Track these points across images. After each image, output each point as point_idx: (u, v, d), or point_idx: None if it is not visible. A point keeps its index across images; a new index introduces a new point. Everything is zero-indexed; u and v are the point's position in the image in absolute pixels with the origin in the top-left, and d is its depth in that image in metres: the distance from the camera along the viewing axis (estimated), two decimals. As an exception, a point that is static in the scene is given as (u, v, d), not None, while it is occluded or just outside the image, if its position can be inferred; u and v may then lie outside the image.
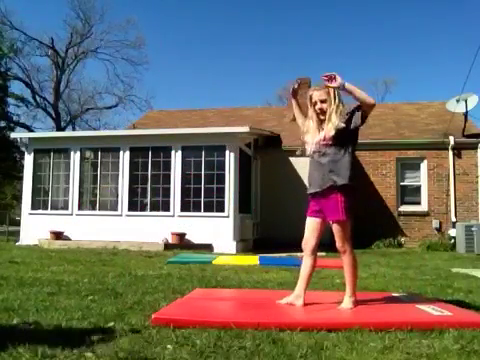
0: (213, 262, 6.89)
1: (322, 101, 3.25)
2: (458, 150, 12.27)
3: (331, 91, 3.22)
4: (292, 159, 12.07)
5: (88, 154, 11.55)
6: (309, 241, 3.30)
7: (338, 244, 3.20)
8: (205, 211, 10.21)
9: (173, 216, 10.33)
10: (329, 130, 3.19)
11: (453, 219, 11.99)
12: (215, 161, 10.38)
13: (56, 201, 11.34)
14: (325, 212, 3.23)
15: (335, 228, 3.18)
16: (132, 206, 10.67)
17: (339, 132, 3.17)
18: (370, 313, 3.06)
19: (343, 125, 3.19)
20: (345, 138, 3.21)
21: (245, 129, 10.35)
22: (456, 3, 51.49)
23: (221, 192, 10.17)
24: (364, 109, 3.17)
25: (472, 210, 12.07)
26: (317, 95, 3.27)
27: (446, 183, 12.21)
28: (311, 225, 3.31)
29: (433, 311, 3.04)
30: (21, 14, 48.44)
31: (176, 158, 10.49)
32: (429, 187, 12.36)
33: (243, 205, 10.81)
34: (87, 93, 29.65)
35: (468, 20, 51.35)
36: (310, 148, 3.31)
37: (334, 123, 3.17)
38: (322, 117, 3.27)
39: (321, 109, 3.26)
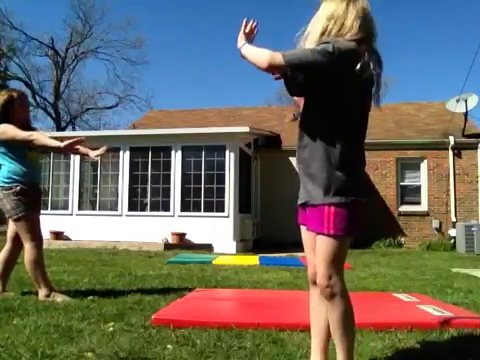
0: (213, 262, 6.89)
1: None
2: (458, 150, 12.26)
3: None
4: (292, 159, 12.06)
5: (88, 154, 11.54)
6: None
7: (324, 274, 1.76)
8: (205, 211, 10.21)
9: (173, 216, 10.33)
10: None
11: (453, 219, 11.98)
12: (215, 161, 10.38)
13: (56, 201, 11.34)
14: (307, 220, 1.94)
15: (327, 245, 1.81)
16: (132, 206, 10.67)
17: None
18: (370, 313, 3.06)
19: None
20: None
21: (245, 129, 10.35)
22: (456, 2, 51.52)
23: (221, 192, 10.17)
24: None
25: (472, 210, 12.06)
26: None
27: (446, 183, 12.21)
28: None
29: (433, 311, 3.04)
30: (21, 14, 48.29)
31: (176, 158, 10.49)
32: (429, 187, 12.35)
33: (243, 205, 10.81)
34: (87, 93, 29.67)
35: (468, 19, 51.36)
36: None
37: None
38: None
39: None
